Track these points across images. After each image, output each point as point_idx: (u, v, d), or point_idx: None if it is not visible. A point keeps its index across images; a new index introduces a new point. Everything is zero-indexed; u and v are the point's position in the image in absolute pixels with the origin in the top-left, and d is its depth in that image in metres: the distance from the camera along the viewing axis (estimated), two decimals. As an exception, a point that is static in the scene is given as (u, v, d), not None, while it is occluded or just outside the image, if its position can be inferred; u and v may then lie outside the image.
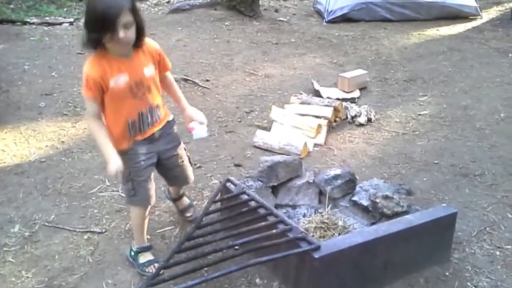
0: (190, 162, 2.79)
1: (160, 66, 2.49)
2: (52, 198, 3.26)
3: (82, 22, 7.45)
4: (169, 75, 2.63)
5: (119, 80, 2.28)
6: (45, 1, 9.13)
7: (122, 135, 2.40)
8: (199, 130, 2.55)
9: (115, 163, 2.28)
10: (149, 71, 2.39)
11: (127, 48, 2.27)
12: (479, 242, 2.89)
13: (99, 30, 2.15)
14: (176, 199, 3.02)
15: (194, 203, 3.19)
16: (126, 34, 2.17)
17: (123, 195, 3.24)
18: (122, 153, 2.39)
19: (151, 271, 2.55)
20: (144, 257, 2.64)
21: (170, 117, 2.63)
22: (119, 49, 2.25)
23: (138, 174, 2.48)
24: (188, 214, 3.03)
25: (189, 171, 2.78)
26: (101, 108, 2.34)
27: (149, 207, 2.63)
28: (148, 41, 2.40)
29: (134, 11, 2.19)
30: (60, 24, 7.66)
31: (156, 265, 2.57)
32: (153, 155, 2.53)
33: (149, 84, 2.40)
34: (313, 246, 2.21)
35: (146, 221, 2.67)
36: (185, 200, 3.04)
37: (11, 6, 8.60)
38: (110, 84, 2.26)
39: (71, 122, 4.36)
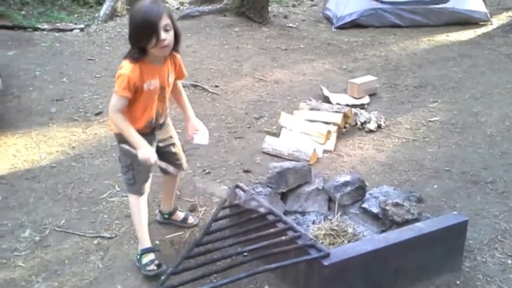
0: (183, 150, 2.90)
1: (177, 74, 2.65)
2: (63, 203, 3.28)
3: (98, 27, 7.48)
4: (179, 83, 2.76)
5: (152, 84, 2.47)
6: (56, 7, 9.23)
7: (136, 124, 2.51)
8: (201, 137, 2.71)
9: (149, 151, 2.45)
10: (172, 78, 2.60)
11: (167, 51, 2.42)
12: (491, 251, 2.86)
13: (144, 36, 2.31)
14: (171, 213, 3.04)
15: (204, 208, 3.20)
16: (167, 37, 2.33)
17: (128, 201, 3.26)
18: (126, 142, 2.51)
19: (152, 268, 2.58)
20: (147, 258, 2.65)
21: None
22: (160, 54, 2.41)
23: (139, 163, 2.56)
24: (190, 221, 3.05)
25: (184, 158, 2.90)
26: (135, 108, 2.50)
27: (146, 196, 2.70)
28: (177, 54, 2.59)
29: (171, 16, 2.39)
30: (71, 30, 7.73)
31: (156, 262, 2.61)
32: (153, 145, 2.64)
33: (169, 89, 2.61)
34: (322, 254, 2.20)
35: (145, 214, 2.69)
36: (179, 213, 3.08)
37: (23, 12, 8.69)
38: (144, 88, 2.44)
39: (82, 128, 4.39)
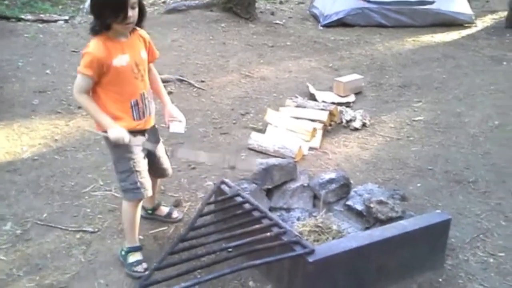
0: (166, 154, 2.84)
1: (149, 55, 2.60)
2: (45, 196, 3.23)
3: (82, 19, 7.40)
4: (154, 68, 2.71)
5: (122, 60, 2.40)
6: (40, -2, 9.08)
7: (124, 119, 2.45)
8: (177, 126, 2.65)
9: (120, 130, 2.37)
10: (144, 54, 2.54)
11: (131, 27, 2.41)
12: (473, 249, 2.89)
13: (112, 12, 2.28)
14: (155, 208, 3.01)
15: (188, 204, 3.18)
16: (133, 14, 2.33)
17: (116, 194, 3.23)
18: (122, 146, 2.44)
19: (139, 270, 2.56)
20: (134, 257, 2.63)
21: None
22: (124, 30, 2.40)
23: (139, 165, 2.53)
24: (174, 216, 3.03)
25: (169, 162, 2.86)
26: (91, 88, 2.40)
27: (142, 201, 2.65)
28: (140, 30, 2.56)
29: None
30: (55, 21, 7.62)
31: (144, 264, 2.59)
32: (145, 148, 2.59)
33: (145, 66, 2.54)
34: (307, 250, 2.21)
35: (138, 218, 2.66)
36: (163, 208, 3.05)
37: (6, 2, 8.55)
38: (114, 63, 2.36)
39: (65, 120, 4.33)
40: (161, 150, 2.77)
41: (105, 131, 2.41)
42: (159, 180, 2.98)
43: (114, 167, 2.59)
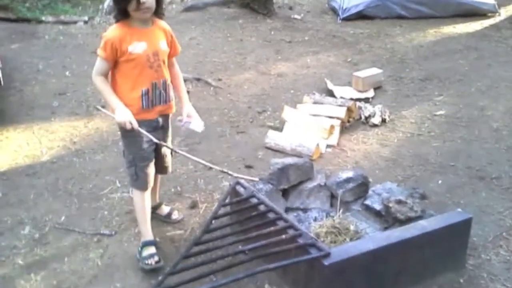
0: (171, 154, 2.88)
1: (171, 49, 2.63)
2: (63, 199, 3.26)
3: (101, 19, 7.49)
4: (177, 64, 2.75)
5: (138, 47, 2.43)
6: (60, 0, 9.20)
7: (133, 106, 2.49)
8: (196, 124, 2.68)
9: (126, 113, 2.42)
10: (164, 45, 2.56)
11: (148, 14, 2.43)
12: (495, 248, 2.81)
13: None
14: (155, 207, 3.02)
15: (205, 205, 3.17)
16: (148, 0, 2.36)
17: (132, 195, 3.23)
18: (131, 135, 2.51)
19: (149, 262, 2.59)
20: (147, 251, 2.66)
21: (174, 109, 2.73)
22: (142, 16, 2.42)
23: (141, 160, 2.59)
24: (174, 217, 3.05)
25: (170, 162, 2.90)
26: (108, 72, 2.48)
27: (148, 191, 2.68)
28: (163, 22, 2.60)
29: None
30: (75, 23, 7.71)
31: (156, 257, 2.61)
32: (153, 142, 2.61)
33: (164, 57, 2.56)
34: (323, 253, 2.17)
35: (148, 208, 2.71)
36: (164, 207, 3.07)
37: (27, 4, 8.67)
38: (129, 49, 2.41)
39: (84, 122, 4.37)
40: (167, 151, 2.79)
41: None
42: (159, 179, 2.99)
43: (123, 155, 2.70)
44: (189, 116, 2.70)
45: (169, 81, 2.62)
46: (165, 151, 2.78)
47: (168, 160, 2.85)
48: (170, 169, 2.92)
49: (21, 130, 4.18)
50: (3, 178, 3.48)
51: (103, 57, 2.42)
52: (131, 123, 2.42)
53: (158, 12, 2.50)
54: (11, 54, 5.92)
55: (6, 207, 3.16)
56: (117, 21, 2.46)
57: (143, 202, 2.68)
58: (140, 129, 2.46)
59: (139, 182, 2.64)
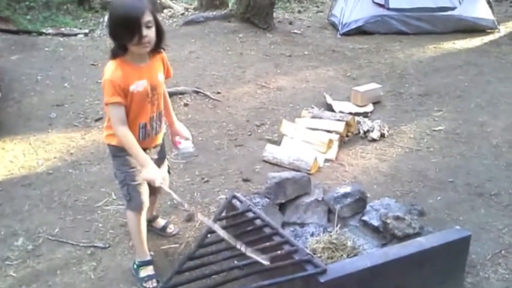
0: (168, 171, 2.84)
1: (165, 73, 2.55)
2: (58, 211, 3.23)
3: (102, 32, 7.51)
4: (164, 86, 2.63)
5: (139, 85, 2.34)
6: (61, 12, 9.25)
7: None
8: (186, 145, 2.63)
9: (154, 170, 2.34)
10: (161, 76, 2.49)
11: (148, 49, 2.31)
12: (494, 266, 2.78)
13: (125, 32, 2.21)
14: (151, 220, 2.99)
15: (198, 219, 3.13)
16: (149, 33, 2.24)
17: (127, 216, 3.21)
18: (121, 154, 2.44)
19: (149, 286, 2.55)
20: (145, 271, 2.61)
21: (164, 129, 2.68)
22: (141, 51, 2.31)
23: (132, 179, 2.50)
24: (170, 230, 3.01)
25: (167, 180, 2.81)
26: (125, 116, 2.35)
27: (144, 212, 2.61)
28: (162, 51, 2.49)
29: (154, 12, 2.28)
30: (75, 35, 7.73)
31: (154, 281, 2.57)
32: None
33: (161, 89, 2.50)
34: (319, 270, 2.13)
35: (144, 228, 2.63)
36: (161, 220, 3.04)
37: (28, 16, 8.72)
38: (131, 89, 2.31)
39: (81, 134, 4.34)
40: (164, 170, 2.73)
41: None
42: (157, 196, 2.94)
43: (115, 176, 2.62)
44: (177, 134, 2.67)
45: (162, 110, 2.54)
46: (162, 168, 2.65)
47: (164, 179, 2.66)
48: (165, 188, 2.81)
49: (18, 141, 4.16)
50: (-2, 189, 3.46)
51: (119, 102, 2.28)
52: (160, 182, 2.34)
53: (158, 46, 2.38)
54: (11, 65, 5.92)
55: (0, 218, 3.12)
56: (114, 57, 2.31)
57: (138, 225, 2.58)
58: (164, 186, 2.40)
59: (133, 203, 2.55)
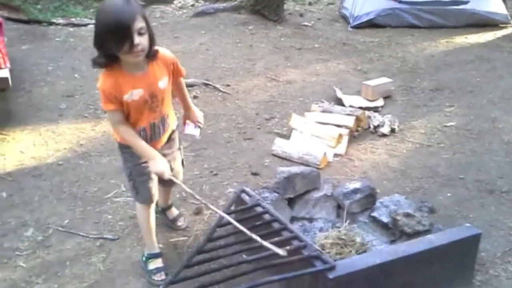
0: (182, 163, 2.81)
1: (174, 75, 2.47)
2: (67, 202, 3.24)
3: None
4: (182, 81, 2.60)
5: (133, 95, 2.25)
6: (72, 1, 9.23)
7: None
8: (193, 129, 2.64)
9: (162, 162, 2.30)
10: (163, 83, 2.37)
11: (141, 57, 2.19)
12: (504, 264, 2.75)
13: (115, 40, 2.06)
14: (165, 209, 3.00)
15: (209, 212, 3.13)
16: (141, 41, 2.11)
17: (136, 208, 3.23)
18: (127, 149, 2.42)
19: (158, 279, 2.56)
20: (154, 264, 2.62)
21: (175, 125, 2.64)
22: (134, 60, 2.18)
23: (139, 174, 2.48)
24: (179, 223, 3.01)
25: (181, 173, 2.81)
26: (124, 118, 2.31)
27: (153, 205, 2.61)
28: (163, 52, 2.36)
29: (146, 18, 2.15)
30: (86, 25, 7.72)
31: (163, 273, 2.58)
32: None
33: (163, 96, 2.40)
34: (327, 266, 2.12)
35: (153, 221, 2.64)
36: (174, 210, 3.04)
37: (38, 6, 8.71)
38: (124, 98, 2.24)
39: (91, 125, 4.35)
40: (177, 163, 2.73)
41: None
42: (171, 188, 2.95)
43: (123, 170, 2.62)
44: (191, 117, 2.67)
45: (167, 113, 2.47)
46: (171, 164, 2.60)
47: (176, 172, 2.69)
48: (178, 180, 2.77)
49: (28, 131, 4.18)
50: (8, 179, 3.47)
51: (113, 109, 2.24)
52: (165, 173, 2.30)
53: (149, 55, 2.23)
54: (21, 55, 5.93)
55: (11, 209, 3.15)
56: (100, 66, 2.19)
57: (147, 217, 2.58)
58: (173, 178, 2.36)
59: (141, 197, 2.55)
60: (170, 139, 2.62)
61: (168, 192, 2.96)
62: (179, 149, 2.75)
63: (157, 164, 2.30)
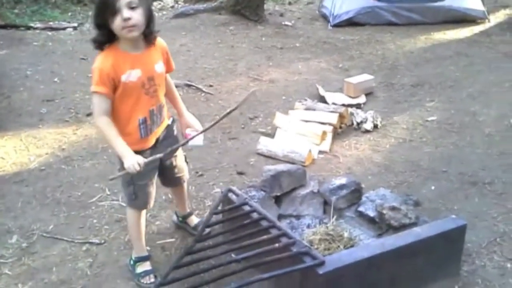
0: (186, 161, 2.77)
1: (166, 66, 2.45)
2: (51, 207, 3.20)
3: (91, 25, 7.45)
4: (169, 77, 2.57)
5: (132, 75, 2.23)
6: (49, 5, 9.12)
7: (131, 136, 2.34)
8: (196, 138, 2.51)
9: (133, 158, 2.21)
10: (159, 67, 2.36)
11: (135, 33, 2.18)
12: (489, 254, 2.79)
13: (104, 13, 2.11)
14: (185, 216, 2.95)
15: (196, 212, 3.12)
16: (132, 15, 2.12)
17: (123, 204, 3.20)
18: None
19: (147, 282, 2.53)
20: (142, 267, 2.59)
21: (170, 120, 2.59)
22: (129, 36, 2.18)
23: (140, 179, 2.44)
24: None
25: (185, 170, 2.76)
26: (111, 106, 2.25)
27: (145, 211, 2.59)
28: (159, 39, 2.38)
29: None
30: (64, 29, 7.64)
31: (152, 276, 2.55)
32: (155, 160, 2.45)
33: (160, 81, 2.37)
34: (317, 262, 2.13)
35: (143, 225, 2.61)
36: (194, 218, 2.97)
37: (16, 11, 8.59)
38: (122, 79, 2.21)
39: (72, 129, 4.30)
40: (179, 159, 2.67)
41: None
42: (184, 190, 2.87)
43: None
44: (188, 126, 2.58)
45: (163, 102, 2.44)
46: (173, 161, 2.62)
47: (179, 169, 2.68)
48: (185, 178, 2.76)
49: (9, 137, 4.11)
50: (-10, 186, 3.42)
51: (103, 92, 2.17)
52: (139, 165, 2.21)
53: (146, 32, 2.24)
54: (-1, 60, 5.85)
55: (-7, 216, 3.09)
56: (102, 47, 2.21)
57: (138, 222, 2.55)
58: (145, 161, 2.26)
59: (138, 202, 2.50)
60: (169, 136, 2.54)
61: (182, 197, 2.88)
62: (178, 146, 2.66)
63: (129, 161, 2.20)
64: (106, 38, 2.20)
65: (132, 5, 2.11)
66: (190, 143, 2.51)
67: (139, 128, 2.34)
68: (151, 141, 2.43)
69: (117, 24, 2.12)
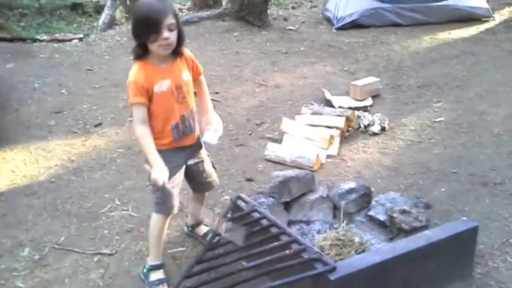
0: (213, 166, 2.82)
1: (194, 72, 2.58)
2: (62, 219, 3.21)
3: (96, 36, 7.48)
4: (202, 79, 2.69)
5: (163, 85, 2.39)
6: (55, 17, 9.21)
7: (166, 139, 2.47)
8: (210, 135, 2.57)
9: (160, 171, 2.33)
10: (186, 75, 2.51)
11: (169, 51, 2.37)
12: (502, 255, 2.77)
13: (146, 32, 2.28)
14: (194, 226, 2.98)
15: (206, 220, 3.11)
16: (170, 36, 2.30)
17: (133, 214, 3.22)
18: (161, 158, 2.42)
19: None
20: (156, 275, 2.60)
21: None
22: (163, 53, 2.36)
23: (167, 183, 2.46)
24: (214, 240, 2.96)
25: (215, 175, 2.82)
26: (147, 115, 2.40)
27: (170, 217, 2.62)
28: (185, 50, 2.53)
29: (176, 16, 2.33)
30: (70, 40, 7.69)
31: (166, 285, 2.55)
32: (183, 163, 2.58)
33: (187, 88, 2.50)
34: (328, 268, 2.12)
35: (165, 233, 2.63)
36: (203, 227, 2.99)
37: (22, 24, 8.68)
38: (155, 89, 2.37)
39: (81, 140, 4.33)
40: (206, 164, 2.73)
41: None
42: (204, 200, 2.93)
43: (148, 179, 2.54)
44: (208, 123, 2.63)
45: (194, 108, 2.56)
46: (200, 167, 2.69)
47: (208, 175, 2.76)
48: (215, 183, 2.84)
49: (18, 150, 4.14)
50: (1, 199, 3.43)
51: (141, 102, 2.35)
52: (163, 182, 2.33)
53: (178, 49, 2.41)
54: (7, 74, 5.89)
55: (5, 229, 3.11)
56: (136, 58, 2.40)
57: (162, 228, 2.59)
58: (167, 184, 2.36)
59: (165, 206, 2.54)
60: (196, 143, 2.64)
61: (201, 205, 2.91)
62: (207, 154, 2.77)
63: (157, 172, 2.32)
64: (143, 51, 2.37)
65: (171, 28, 2.30)
66: (204, 138, 2.58)
67: (172, 132, 2.46)
68: (187, 141, 2.55)
69: (156, 42, 2.30)
